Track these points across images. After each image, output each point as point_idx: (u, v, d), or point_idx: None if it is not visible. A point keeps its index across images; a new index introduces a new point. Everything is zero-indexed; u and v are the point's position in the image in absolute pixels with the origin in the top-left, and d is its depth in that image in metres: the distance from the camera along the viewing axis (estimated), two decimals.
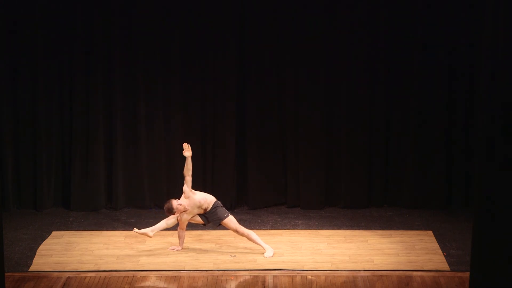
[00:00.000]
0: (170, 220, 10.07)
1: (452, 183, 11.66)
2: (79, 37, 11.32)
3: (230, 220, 10.03)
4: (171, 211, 9.96)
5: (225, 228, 10.16)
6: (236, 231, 10.04)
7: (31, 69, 11.36)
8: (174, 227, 10.20)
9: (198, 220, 10.07)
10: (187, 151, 10.05)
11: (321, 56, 11.39)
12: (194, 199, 9.98)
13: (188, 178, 9.99)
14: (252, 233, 10.06)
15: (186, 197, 9.97)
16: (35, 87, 11.40)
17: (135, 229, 10.03)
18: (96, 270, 9.55)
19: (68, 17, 11.28)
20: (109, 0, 11.26)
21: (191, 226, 10.25)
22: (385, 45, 11.37)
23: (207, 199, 10.07)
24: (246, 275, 9.38)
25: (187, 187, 9.97)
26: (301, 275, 9.39)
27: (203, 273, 9.44)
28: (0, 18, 11.15)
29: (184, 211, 9.94)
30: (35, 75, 11.37)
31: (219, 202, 10.12)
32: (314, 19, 11.29)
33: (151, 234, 10.05)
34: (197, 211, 10.00)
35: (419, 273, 9.42)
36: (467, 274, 8.73)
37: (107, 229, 10.93)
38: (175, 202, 9.95)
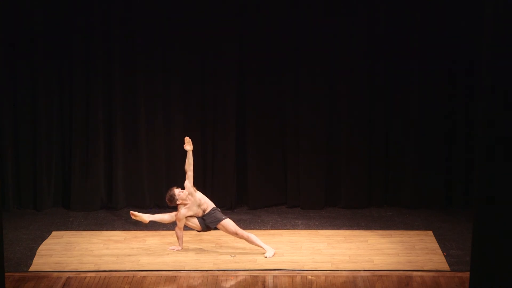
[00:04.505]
0: (169, 215, 10.06)
1: (452, 183, 11.66)
2: (79, 37, 11.31)
3: (229, 222, 10.00)
4: (172, 198, 9.91)
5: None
6: (236, 234, 10.01)
7: (31, 68, 11.36)
8: (172, 227, 10.20)
9: (195, 223, 10.01)
10: (188, 145, 10.01)
11: (321, 56, 11.38)
12: (195, 196, 9.97)
13: (190, 174, 9.96)
14: (251, 235, 10.03)
15: (188, 193, 9.96)
16: (35, 87, 11.40)
17: (132, 212, 10.01)
18: (96, 270, 9.55)
19: (68, 16, 11.27)
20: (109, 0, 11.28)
21: None
22: (385, 45, 11.37)
23: (206, 201, 10.07)
24: (246, 275, 9.38)
25: (189, 183, 9.95)
26: (301, 275, 9.38)
27: (203, 273, 9.44)
28: None
29: (185, 203, 9.90)
30: (35, 75, 11.36)
31: (219, 208, 10.13)
32: (315, 19, 11.28)
33: (147, 219, 10.00)
34: (195, 209, 9.98)
35: (419, 273, 9.42)
36: (467, 274, 8.72)
37: (107, 229, 10.93)
38: (177, 190, 9.92)
